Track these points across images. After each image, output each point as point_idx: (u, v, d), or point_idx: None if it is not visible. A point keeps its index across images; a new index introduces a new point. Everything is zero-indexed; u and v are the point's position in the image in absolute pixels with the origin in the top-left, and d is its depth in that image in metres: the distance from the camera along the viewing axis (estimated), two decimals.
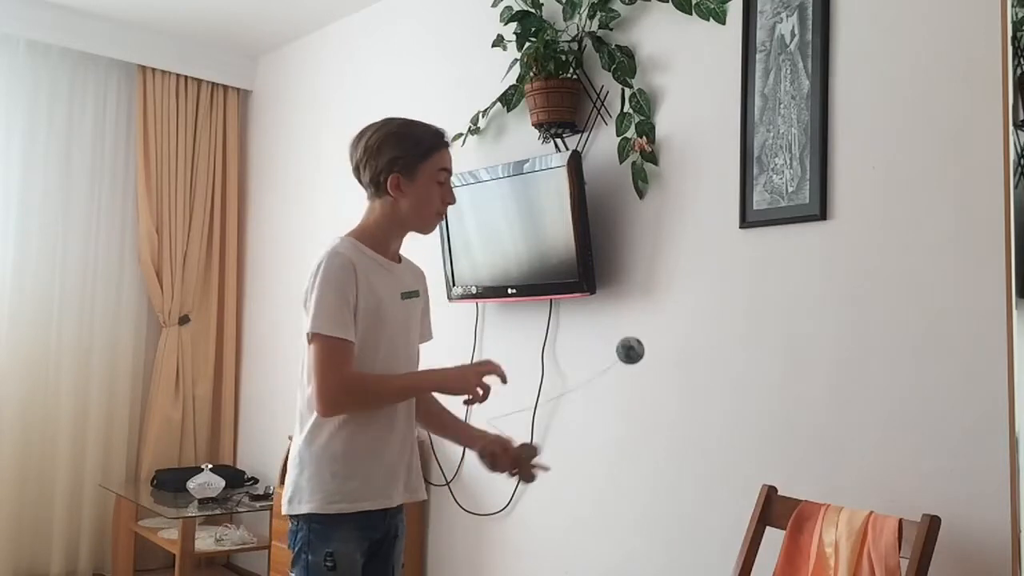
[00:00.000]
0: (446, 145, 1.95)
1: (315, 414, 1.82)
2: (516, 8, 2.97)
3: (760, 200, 2.39)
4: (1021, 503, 1.62)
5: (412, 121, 1.94)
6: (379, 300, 1.85)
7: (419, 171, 1.89)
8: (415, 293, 1.98)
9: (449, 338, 3.05)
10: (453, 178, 3.01)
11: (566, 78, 2.84)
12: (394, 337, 1.89)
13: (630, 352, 2.11)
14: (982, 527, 1.91)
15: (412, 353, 1.98)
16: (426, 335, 2.07)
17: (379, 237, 1.92)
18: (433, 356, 2.06)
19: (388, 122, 1.93)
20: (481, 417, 3.15)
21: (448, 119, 2.79)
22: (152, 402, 4.38)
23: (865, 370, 2.15)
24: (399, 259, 1.98)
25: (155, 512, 3.80)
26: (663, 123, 2.66)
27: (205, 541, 3.86)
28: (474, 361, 1.84)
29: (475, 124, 3.21)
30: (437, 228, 3.32)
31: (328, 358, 1.77)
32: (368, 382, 1.83)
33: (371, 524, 1.87)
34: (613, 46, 2.75)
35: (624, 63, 2.71)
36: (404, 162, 1.87)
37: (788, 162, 2.33)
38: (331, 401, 1.78)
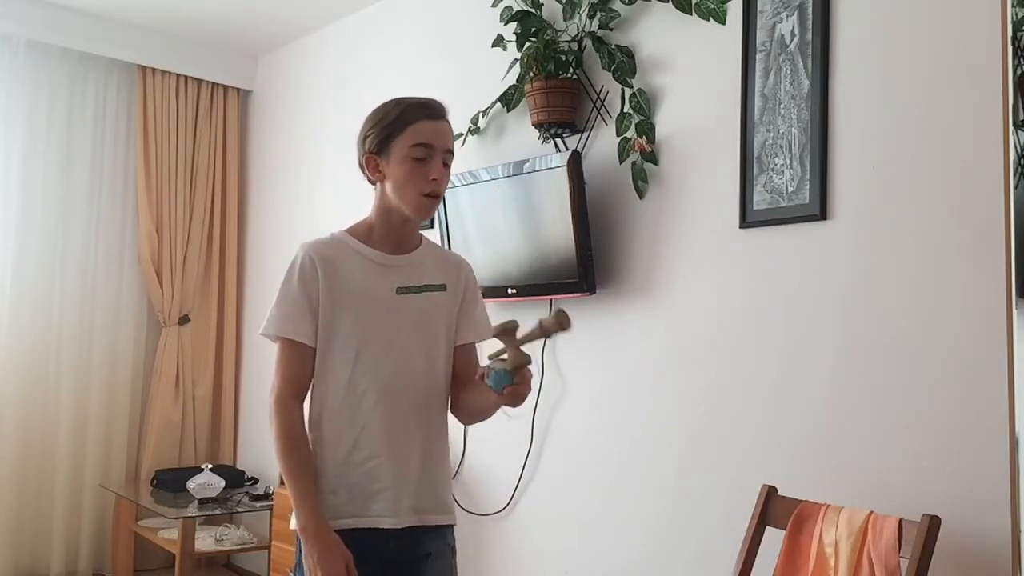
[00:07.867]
0: (426, 117, 1.70)
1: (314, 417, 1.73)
2: (516, 8, 2.97)
3: (760, 200, 2.39)
4: (1021, 503, 1.62)
5: (399, 98, 1.74)
6: (352, 295, 1.69)
7: (392, 148, 1.69)
8: (434, 287, 1.77)
9: None
10: (453, 177, 3.05)
11: (566, 78, 2.84)
12: (378, 335, 1.70)
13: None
14: (982, 527, 1.90)
15: (416, 353, 1.75)
16: (473, 332, 1.87)
17: (376, 228, 1.75)
18: None
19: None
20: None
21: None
22: (152, 402, 4.38)
23: (865, 370, 2.15)
24: (412, 251, 1.78)
25: (155, 512, 3.79)
26: (663, 123, 2.66)
27: (205, 541, 3.86)
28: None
29: (475, 124, 3.21)
30: (436, 226, 3.38)
31: (279, 358, 1.70)
32: (286, 430, 1.66)
33: (368, 545, 1.66)
34: (613, 46, 2.75)
35: (624, 63, 2.71)
36: (374, 139, 1.70)
37: (788, 162, 2.33)
38: (271, 401, 1.68)
